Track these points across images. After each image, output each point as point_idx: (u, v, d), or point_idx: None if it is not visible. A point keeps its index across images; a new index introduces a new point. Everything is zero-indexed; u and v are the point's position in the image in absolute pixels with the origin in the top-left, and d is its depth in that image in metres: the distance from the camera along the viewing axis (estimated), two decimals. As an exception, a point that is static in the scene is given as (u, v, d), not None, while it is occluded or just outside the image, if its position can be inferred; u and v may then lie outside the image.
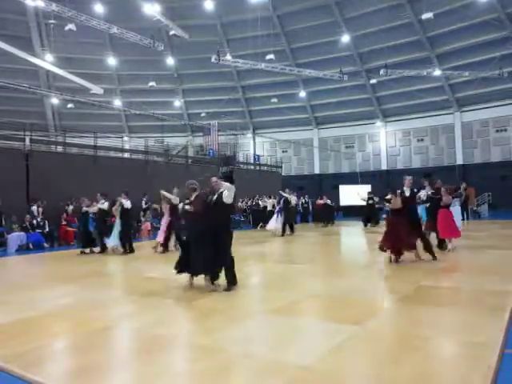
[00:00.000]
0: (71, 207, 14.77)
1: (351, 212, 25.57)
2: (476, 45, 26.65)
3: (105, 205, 11.71)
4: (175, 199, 10.69)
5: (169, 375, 3.35)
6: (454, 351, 3.81)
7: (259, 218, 19.77)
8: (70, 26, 23.20)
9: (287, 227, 15.79)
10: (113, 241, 11.40)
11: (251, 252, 11.63)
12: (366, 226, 18.59)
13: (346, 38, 28.84)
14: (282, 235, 15.31)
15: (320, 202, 20.90)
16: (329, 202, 21.10)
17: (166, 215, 11.12)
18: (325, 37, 29.50)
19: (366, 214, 19.01)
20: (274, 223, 15.74)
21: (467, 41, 26.76)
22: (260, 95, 33.74)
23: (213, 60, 26.02)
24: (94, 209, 11.83)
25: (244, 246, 12.87)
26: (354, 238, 16.24)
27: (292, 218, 16.83)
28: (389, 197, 8.50)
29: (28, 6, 25.33)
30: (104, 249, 11.68)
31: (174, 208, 10.52)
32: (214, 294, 6.07)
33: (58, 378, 3.32)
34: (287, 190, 16.53)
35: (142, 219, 16.78)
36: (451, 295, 5.69)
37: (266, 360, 3.50)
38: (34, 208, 14.33)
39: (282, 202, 15.93)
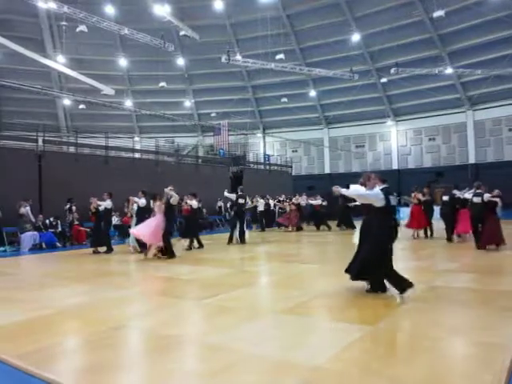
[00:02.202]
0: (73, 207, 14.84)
1: (361, 211, 25.49)
2: (488, 42, 26.31)
3: (107, 203, 11.97)
4: (175, 199, 10.82)
5: (179, 374, 3.36)
6: (465, 352, 3.77)
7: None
8: (82, 28, 23.39)
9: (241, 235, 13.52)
10: (131, 240, 11.52)
11: (261, 251, 11.66)
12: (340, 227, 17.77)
13: (356, 37, 28.67)
14: (229, 243, 13.14)
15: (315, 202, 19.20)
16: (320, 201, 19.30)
17: (160, 215, 10.27)
18: (335, 36, 29.37)
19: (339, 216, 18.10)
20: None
21: (479, 38, 26.43)
22: (270, 95, 33.71)
23: (223, 60, 26.06)
24: (101, 207, 11.93)
25: (254, 246, 12.89)
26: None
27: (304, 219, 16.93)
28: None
29: (40, 9, 25.55)
30: (111, 249, 11.78)
31: (170, 208, 10.70)
32: (224, 293, 6.08)
33: (71, 376, 3.35)
34: (241, 188, 14.17)
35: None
36: (463, 295, 5.64)
37: (277, 359, 3.50)
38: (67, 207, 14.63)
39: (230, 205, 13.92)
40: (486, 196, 10.00)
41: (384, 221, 5.55)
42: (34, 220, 13.67)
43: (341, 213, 17.79)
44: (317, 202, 19.11)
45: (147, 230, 10.00)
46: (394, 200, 5.72)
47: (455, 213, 11.65)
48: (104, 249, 11.74)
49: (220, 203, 21.74)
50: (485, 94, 28.17)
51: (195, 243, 12.10)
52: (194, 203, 12.19)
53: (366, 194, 5.72)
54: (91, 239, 12.39)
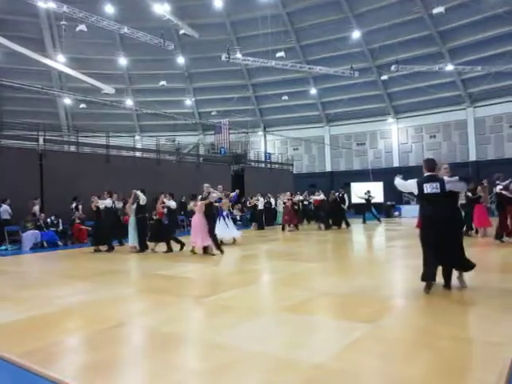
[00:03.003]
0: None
1: (362, 209, 25.62)
2: (489, 39, 26.23)
3: (108, 202, 12.16)
4: (212, 197, 10.62)
5: (181, 372, 3.37)
6: (469, 351, 3.75)
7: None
8: (81, 27, 23.37)
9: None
10: (130, 240, 11.54)
11: (262, 250, 11.66)
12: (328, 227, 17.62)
13: (356, 34, 28.62)
14: (140, 251, 11.37)
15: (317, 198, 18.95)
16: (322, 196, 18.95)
17: (200, 215, 10.24)
18: (335, 33, 29.32)
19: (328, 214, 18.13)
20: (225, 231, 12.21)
21: (480, 35, 26.36)
22: (270, 93, 33.68)
23: (223, 58, 26.03)
24: (101, 206, 12.00)
25: (259, 244, 12.91)
26: (365, 235, 16.17)
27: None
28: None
29: (40, 8, 25.54)
30: (112, 248, 11.84)
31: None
32: (226, 291, 6.09)
33: (73, 374, 3.36)
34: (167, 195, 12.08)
35: (154, 217, 16.84)
36: (468, 294, 5.62)
37: (279, 358, 3.51)
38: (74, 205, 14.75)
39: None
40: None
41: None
42: (43, 218, 13.89)
43: (334, 213, 18.03)
44: (320, 197, 18.84)
45: (198, 235, 10.13)
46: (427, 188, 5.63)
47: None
48: (105, 247, 11.78)
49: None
50: (485, 90, 28.11)
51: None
52: (173, 204, 11.98)
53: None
54: (92, 238, 12.44)
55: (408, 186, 6.08)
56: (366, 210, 20.56)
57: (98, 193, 12.43)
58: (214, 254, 10.10)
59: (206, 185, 10.82)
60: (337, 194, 18.57)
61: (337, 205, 18.11)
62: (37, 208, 14.23)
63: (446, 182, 5.46)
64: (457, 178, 5.47)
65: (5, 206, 13.53)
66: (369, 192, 20.54)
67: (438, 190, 5.46)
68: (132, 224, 11.52)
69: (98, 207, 11.93)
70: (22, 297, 6.16)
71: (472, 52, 26.97)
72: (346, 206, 18.42)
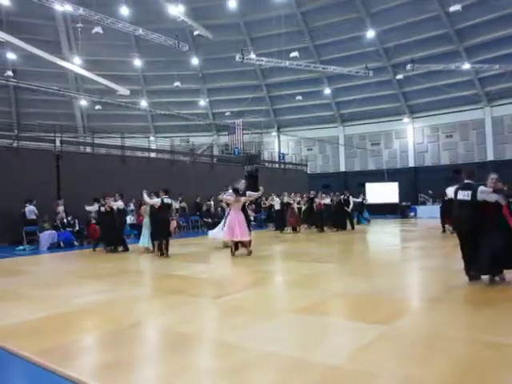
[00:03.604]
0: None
1: (377, 210, 25.53)
2: (507, 36, 25.74)
3: (120, 203, 12.21)
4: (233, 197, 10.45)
5: (194, 372, 3.39)
6: (483, 353, 3.70)
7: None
8: (97, 29, 23.62)
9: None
10: (142, 241, 11.60)
11: (275, 251, 11.65)
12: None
13: (371, 34, 28.35)
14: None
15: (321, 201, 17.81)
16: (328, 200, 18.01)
17: (238, 211, 10.16)
18: (349, 32, 29.13)
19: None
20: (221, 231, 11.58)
21: (497, 33, 25.89)
22: (284, 93, 33.60)
23: (237, 59, 26.06)
24: (114, 207, 12.05)
25: (272, 245, 12.90)
26: (379, 236, 16.04)
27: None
28: None
29: (57, 11, 25.98)
30: (126, 248, 11.93)
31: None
32: (240, 292, 6.09)
33: (90, 373, 3.40)
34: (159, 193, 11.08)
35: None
36: (481, 295, 5.55)
37: (292, 358, 3.50)
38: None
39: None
40: None
41: None
42: (60, 219, 14.12)
43: (338, 215, 17.78)
44: (325, 200, 17.77)
45: (241, 230, 9.96)
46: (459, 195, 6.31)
47: None
48: (121, 248, 11.89)
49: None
50: (503, 89, 27.61)
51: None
52: (120, 204, 12.02)
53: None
54: (103, 238, 12.30)
55: (449, 192, 6.83)
56: (358, 211, 20.58)
57: (113, 193, 12.51)
58: (250, 252, 10.02)
59: (242, 181, 11.15)
60: (342, 196, 18.28)
61: (341, 207, 17.82)
62: (61, 208, 14.50)
63: (480, 192, 5.99)
64: (490, 190, 6.00)
65: (31, 207, 13.78)
66: (364, 195, 21.82)
67: (469, 198, 6.06)
68: (146, 225, 11.58)
69: (111, 208, 12.03)
70: (39, 296, 6.26)
71: (489, 50, 26.51)
72: (350, 209, 18.15)
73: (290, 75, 31.48)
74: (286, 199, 17.97)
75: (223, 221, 11.59)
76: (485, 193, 5.98)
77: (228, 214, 11.10)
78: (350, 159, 34.35)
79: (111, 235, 12.05)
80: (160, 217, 10.51)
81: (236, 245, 10.21)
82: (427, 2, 26.28)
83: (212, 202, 19.47)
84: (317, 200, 17.89)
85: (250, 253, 10.01)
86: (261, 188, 11.10)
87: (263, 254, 10.65)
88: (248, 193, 10.73)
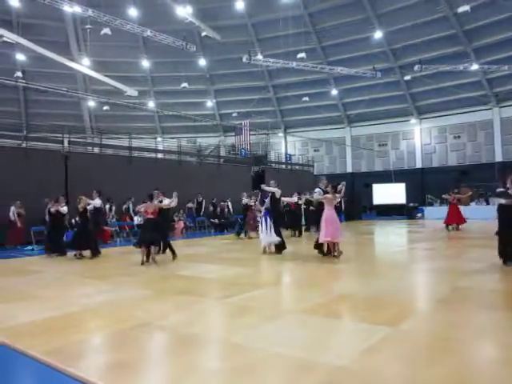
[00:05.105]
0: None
1: (384, 211, 25.54)
2: (516, 37, 25.64)
3: (97, 202, 11.29)
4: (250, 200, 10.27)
5: (201, 372, 3.40)
6: (490, 354, 3.69)
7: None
8: (106, 31, 23.79)
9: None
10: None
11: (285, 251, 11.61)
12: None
13: (378, 35, 28.29)
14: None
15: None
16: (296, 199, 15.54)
17: (331, 207, 9.40)
18: (357, 33, 29.09)
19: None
20: (264, 235, 10.77)
21: (506, 33, 25.71)
22: (291, 94, 33.60)
23: (244, 60, 26.12)
24: (90, 206, 11.07)
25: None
26: (386, 237, 15.97)
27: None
28: None
29: (66, 13, 26.20)
30: (96, 252, 10.86)
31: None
32: (246, 292, 6.10)
33: (97, 373, 3.42)
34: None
35: (176, 218, 17.05)
36: (488, 297, 5.52)
37: (299, 359, 3.50)
38: (108, 206, 15.17)
39: None
40: None
41: None
42: (67, 219, 14.18)
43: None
44: (292, 199, 14.81)
45: (333, 229, 9.22)
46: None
47: None
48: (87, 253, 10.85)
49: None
50: (512, 90, 27.45)
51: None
52: (97, 202, 11.00)
53: None
54: (72, 242, 11.03)
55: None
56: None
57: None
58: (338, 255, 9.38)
59: (272, 181, 11.10)
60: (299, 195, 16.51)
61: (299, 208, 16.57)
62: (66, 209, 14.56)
63: None
64: None
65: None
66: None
67: None
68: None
69: (85, 208, 10.82)
70: (46, 296, 6.30)
71: (498, 51, 26.34)
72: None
73: (296, 76, 31.48)
74: (244, 201, 15.87)
75: (263, 224, 10.71)
76: None
77: (269, 215, 10.63)
78: (356, 160, 34.27)
79: (80, 239, 10.70)
80: (96, 218, 9.80)
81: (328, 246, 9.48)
82: (435, 2, 26.18)
83: (229, 203, 19.50)
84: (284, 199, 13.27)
85: (340, 253, 9.37)
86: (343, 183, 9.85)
87: (268, 255, 10.64)
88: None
